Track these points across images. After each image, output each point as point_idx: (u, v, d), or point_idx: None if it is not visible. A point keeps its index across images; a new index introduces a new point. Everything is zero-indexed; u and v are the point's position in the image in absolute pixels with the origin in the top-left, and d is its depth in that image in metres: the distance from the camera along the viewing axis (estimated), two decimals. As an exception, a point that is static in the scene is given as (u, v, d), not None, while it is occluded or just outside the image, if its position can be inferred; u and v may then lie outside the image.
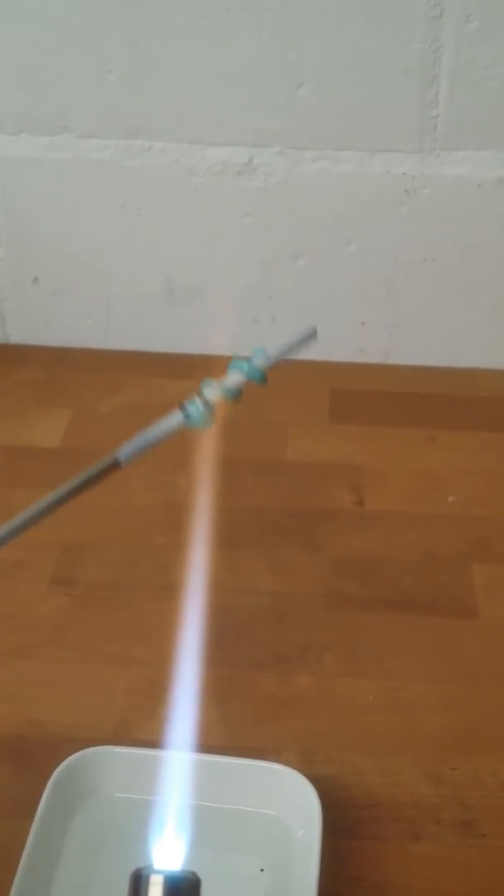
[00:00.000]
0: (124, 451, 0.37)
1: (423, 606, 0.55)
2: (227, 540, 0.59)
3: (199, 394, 0.37)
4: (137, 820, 0.41)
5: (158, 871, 0.26)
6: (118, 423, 0.69)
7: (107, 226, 0.71)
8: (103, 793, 0.44)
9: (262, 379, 0.38)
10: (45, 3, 0.63)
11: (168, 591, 0.55)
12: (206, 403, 0.37)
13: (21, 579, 0.56)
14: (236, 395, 0.37)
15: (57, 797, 0.42)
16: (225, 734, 0.48)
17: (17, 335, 0.76)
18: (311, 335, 0.39)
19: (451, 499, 0.62)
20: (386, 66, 0.64)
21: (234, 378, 0.38)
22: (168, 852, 0.27)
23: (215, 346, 0.66)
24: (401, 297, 0.71)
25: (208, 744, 0.46)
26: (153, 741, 0.46)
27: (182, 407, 0.37)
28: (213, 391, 0.37)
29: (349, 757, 0.47)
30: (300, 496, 0.63)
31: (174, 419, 0.37)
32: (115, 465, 0.37)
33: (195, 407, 0.37)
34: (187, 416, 0.37)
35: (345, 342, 0.74)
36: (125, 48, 0.64)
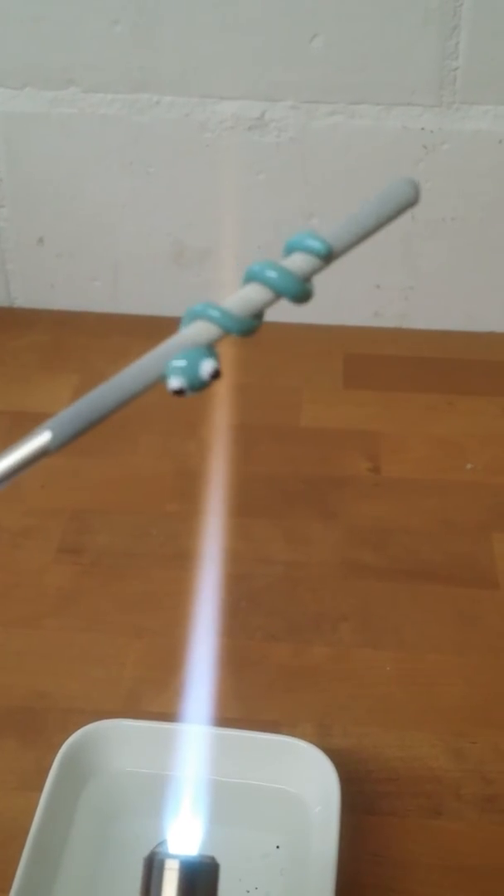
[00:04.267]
0: (54, 437, 0.22)
1: (441, 576, 0.54)
2: (240, 508, 0.57)
3: (192, 342, 0.21)
4: (148, 795, 0.40)
5: (174, 856, 0.24)
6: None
7: (114, 184, 0.69)
8: (113, 767, 0.42)
9: (303, 295, 0.20)
10: None
11: (179, 560, 0.54)
12: (208, 352, 0.20)
13: (28, 547, 0.55)
14: (250, 330, 0.19)
15: (65, 771, 0.41)
16: (238, 706, 0.46)
17: (22, 298, 0.74)
18: (408, 201, 0.20)
19: (469, 466, 0.61)
20: (404, 16, 0.61)
21: (254, 295, 0.19)
22: (184, 833, 0.26)
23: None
24: (418, 259, 0.69)
25: (221, 716, 0.44)
26: (164, 714, 0.44)
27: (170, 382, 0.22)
28: (211, 329, 0.21)
29: (366, 730, 0.46)
30: (314, 463, 0.61)
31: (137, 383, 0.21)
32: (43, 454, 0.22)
33: (188, 368, 0.20)
34: (181, 392, 0.22)
35: (359, 306, 0.72)
36: (133, -3, 0.62)
